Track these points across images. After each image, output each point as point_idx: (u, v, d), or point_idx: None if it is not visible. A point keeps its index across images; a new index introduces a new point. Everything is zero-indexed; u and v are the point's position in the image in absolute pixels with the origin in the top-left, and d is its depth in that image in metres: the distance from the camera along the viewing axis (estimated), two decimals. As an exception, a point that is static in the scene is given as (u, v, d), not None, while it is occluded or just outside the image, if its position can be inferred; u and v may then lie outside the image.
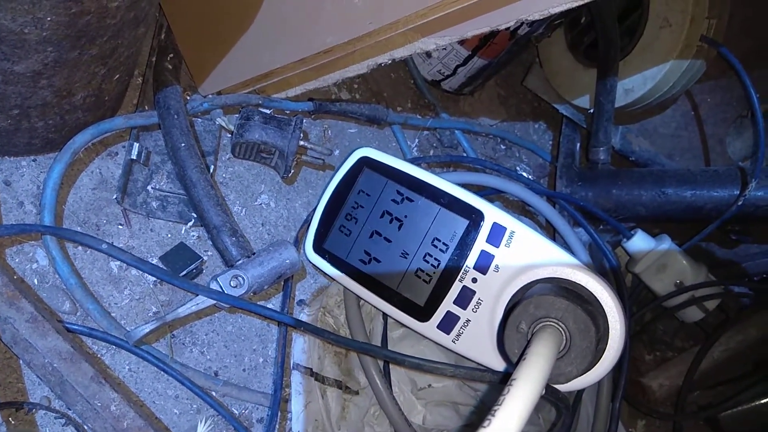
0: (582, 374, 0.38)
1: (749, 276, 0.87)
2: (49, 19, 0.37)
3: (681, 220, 0.78)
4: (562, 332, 0.36)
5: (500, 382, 0.44)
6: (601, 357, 0.43)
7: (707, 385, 0.86)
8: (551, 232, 0.76)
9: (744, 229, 0.87)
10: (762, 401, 0.80)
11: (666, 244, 0.76)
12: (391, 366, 0.58)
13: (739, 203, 0.72)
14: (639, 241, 0.76)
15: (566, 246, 0.72)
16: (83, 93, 0.48)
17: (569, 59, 0.84)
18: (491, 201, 0.72)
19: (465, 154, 0.81)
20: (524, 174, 0.87)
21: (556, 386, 0.44)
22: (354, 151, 0.58)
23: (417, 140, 0.78)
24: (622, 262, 0.84)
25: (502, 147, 0.87)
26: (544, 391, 0.41)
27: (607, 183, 0.78)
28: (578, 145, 0.86)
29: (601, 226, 0.82)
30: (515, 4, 0.48)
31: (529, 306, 0.38)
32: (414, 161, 0.68)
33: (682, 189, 0.75)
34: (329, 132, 0.71)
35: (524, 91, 0.92)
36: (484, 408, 0.57)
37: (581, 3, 0.45)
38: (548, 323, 0.36)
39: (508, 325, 0.39)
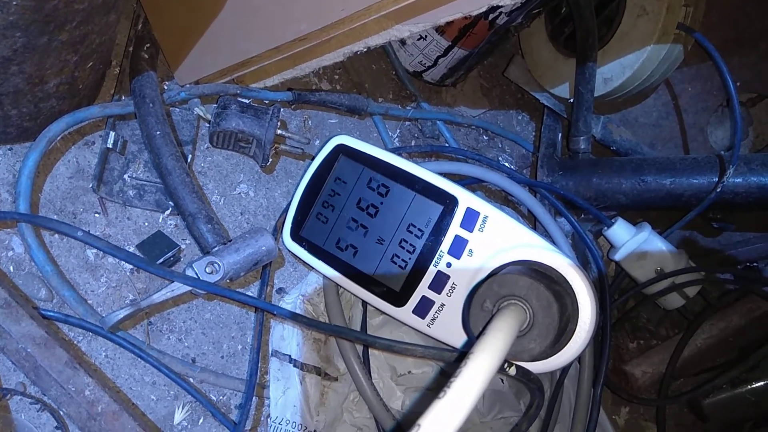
0: (545, 351, 0.38)
1: (732, 264, 0.88)
2: (15, 3, 0.37)
3: (661, 208, 0.78)
4: (525, 310, 0.36)
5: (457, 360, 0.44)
6: (571, 337, 0.43)
7: (691, 373, 0.87)
8: (532, 222, 0.77)
9: (726, 217, 0.88)
10: (744, 388, 0.80)
11: (646, 231, 0.76)
12: (371, 353, 0.58)
13: (718, 190, 0.72)
14: (619, 229, 0.77)
15: (547, 235, 0.73)
16: (56, 80, 0.48)
17: (550, 49, 0.85)
18: (473, 191, 0.73)
19: (447, 145, 0.81)
20: (506, 164, 0.87)
21: (531, 368, 0.45)
22: (330, 138, 0.58)
23: (398, 131, 0.78)
24: (604, 251, 0.84)
25: (485, 138, 0.87)
26: (514, 371, 0.41)
27: (588, 172, 0.79)
28: (560, 135, 0.86)
29: (583, 215, 0.82)
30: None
31: (493, 284, 0.38)
32: (394, 151, 0.68)
33: (662, 177, 0.75)
34: (309, 122, 0.71)
35: (507, 82, 0.92)
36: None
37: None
38: (511, 301, 0.37)
39: (473, 303, 0.39)
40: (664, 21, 0.71)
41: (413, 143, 0.80)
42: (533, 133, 0.93)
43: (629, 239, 0.76)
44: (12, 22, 0.38)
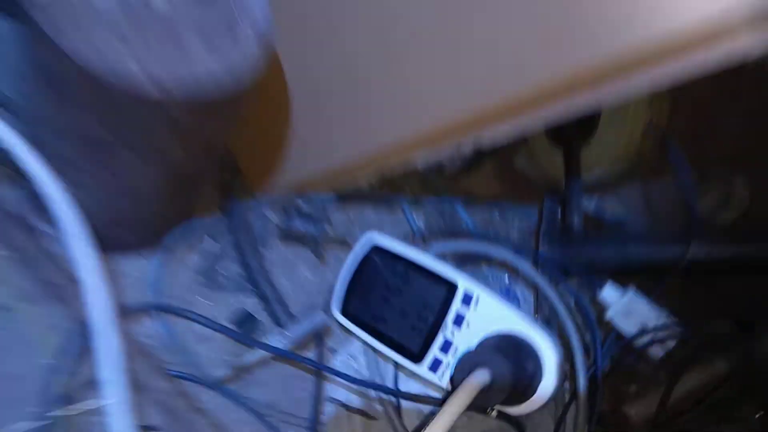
0: (510, 400, 0.56)
1: (710, 319, 1.02)
2: (155, 178, 0.59)
3: (644, 273, 0.94)
4: (487, 373, 0.54)
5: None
6: (538, 388, 0.61)
7: (683, 412, 1.00)
8: (535, 289, 0.94)
9: (707, 279, 1.02)
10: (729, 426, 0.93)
11: (631, 293, 0.92)
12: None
13: (687, 259, 0.88)
14: (609, 292, 0.93)
15: (546, 299, 0.90)
16: (172, 209, 0.70)
17: (544, 141, 1.03)
18: (487, 265, 0.91)
19: (462, 224, 1.00)
20: (515, 234, 1.05)
21: (511, 411, 0.63)
22: (364, 234, 0.78)
23: (423, 216, 0.98)
24: (601, 311, 1.00)
25: (497, 215, 1.06)
26: (495, 414, 0.59)
27: (581, 244, 0.96)
28: (559, 211, 1.03)
29: (578, 281, 0.99)
30: (472, 132, 0.68)
31: (472, 354, 0.56)
32: (414, 241, 0.88)
33: (640, 248, 0.92)
34: (352, 215, 0.91)
35: (515, 167, 1.11)
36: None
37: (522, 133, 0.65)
38: (479, 367, 0.55)
39: (457, 369, 0.57)
40: (630, 127, 0.89)
41: (434, 223, 0.99)
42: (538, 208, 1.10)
43: (617, 300, 0.92)
44: (151, 183, 0.60)
